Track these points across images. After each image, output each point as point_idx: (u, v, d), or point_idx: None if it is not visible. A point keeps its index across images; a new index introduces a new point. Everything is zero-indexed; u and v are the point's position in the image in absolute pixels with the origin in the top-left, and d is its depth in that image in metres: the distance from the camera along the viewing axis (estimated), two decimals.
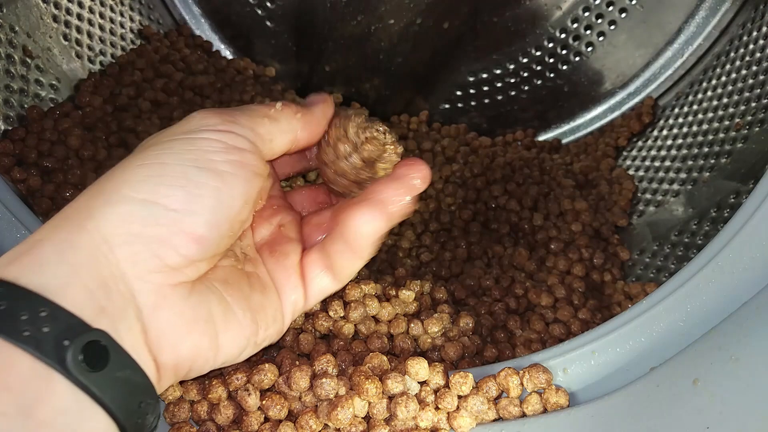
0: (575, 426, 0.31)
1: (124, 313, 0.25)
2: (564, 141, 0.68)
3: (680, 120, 0.58)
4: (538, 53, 0.65)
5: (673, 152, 0.56)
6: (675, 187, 0.53)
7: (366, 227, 0.31)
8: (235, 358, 0.30)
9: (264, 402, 0.33)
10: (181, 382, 0.34)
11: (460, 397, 0.33)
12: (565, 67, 0.65)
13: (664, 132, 0.59)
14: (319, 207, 0.37)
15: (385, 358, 0.34)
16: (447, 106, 0.69)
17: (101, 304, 0.24)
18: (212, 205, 0.27)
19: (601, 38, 0.63)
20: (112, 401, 0.23)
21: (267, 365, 0.33)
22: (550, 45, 0.64)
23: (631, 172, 0.59)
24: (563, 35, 0.63)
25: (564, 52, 0.64)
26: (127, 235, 0.25)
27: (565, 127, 0.68)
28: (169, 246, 0.26)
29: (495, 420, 0.33)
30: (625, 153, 0.62)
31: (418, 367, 0.33)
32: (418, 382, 0.34)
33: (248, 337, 0.30)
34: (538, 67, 0.65)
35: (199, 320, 0.27)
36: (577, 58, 0.64)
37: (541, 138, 0.68)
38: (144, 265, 0.25)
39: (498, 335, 0.44)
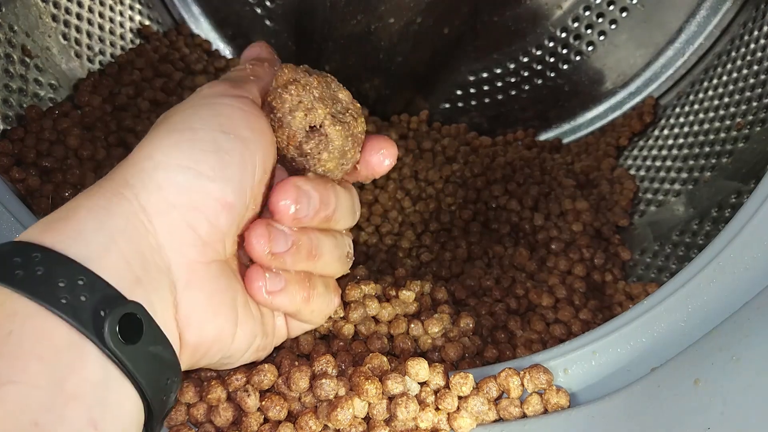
0: (576, 427, 0.31)
1: (159, 286, 0.24)
2: (565, 141, 0.67)
3: (681, 119, 0.58)
4: (539, 52, 0.64)
5: (675, 152, 0.56)
6: (676, 186, 0.53)
7: None
8: (241, 354, 0.30)
9: (263, 403, 0.33)
10: None
11: (460, 397, 0.33)
12: (565, 67, 0.65)
13: (665, 131, 0.59)
14: None
15: (385, 358, 0.34)
16: (447, 105, 0.69)
17: (137, 275, 0.24)
18: (240, 171, 0.27)
19: (601, 37, 0.62)
20: (143, 376, 0.23)
21: (266, 366, 0.33)
22: (551, 44, 0.64)
23: (632, 171, 0.59)
24: (564, 34, 0.63)
25: (565, 51, 0.64)
26: (164, 203, 0.25)
27: (566, 127, 0.68)
28: (202, 214, 0.26)
29: (495, 421, 0.33)
30: (626, 153, 0.62)
31: (419, 368, 0.33)
32: (419, 383, 0.33)
33: (255, 336, 0.30)
34: (539, 67, 0.65)
35: (226, 304, 0.27)
36: (578, 58, 0.64)
37: (542, 137, 0.68)
38: (180, 237, 0.25)
39: (498, 336, 0.44)
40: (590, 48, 0.63)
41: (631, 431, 0.29)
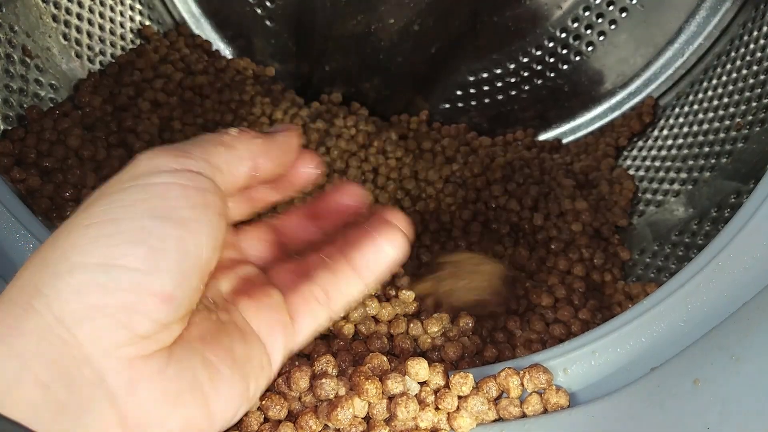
0: (576, 426, 0.31)
1: (92, 406, 0.21)
2: (564, 141, 0.67)
3: (681, 120, 0.58)
4: (539, 53, 0.64)
5: (674, 152, 0.56)
6: (675, 187, 0.53)
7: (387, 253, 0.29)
8: (230, 420, 0.26)
9: (263, 402, 0.33)
10: None
11: (460, 397, 0.33)
12: (565, 67, 0.65)
13: (665, 132, 0.59)
14: (271, 247, 0.32)
15: (385, 358, 0.34)
16: (447, 105, 0.69)
17: (61, 402, 0.20)
18: (179, 259, 0.23)
19: (601, 38, 0.62)
20: None
21: None
22: (551, 44, 0.64)
23: (631, 172, 0.59)
24: (564, 35, 0.63)
25: (564, 51, 0.64)
26: (85, 309, 0.21)
27: (566, 127, 0.68)
28: (138, 312, 0.22)
29: (495, 420, 0.33)
30: (625, 153, 0.62)
31: (418, 368, 0.33)
32: (418, 383, 0.33)
33: (241, 395, 0.26)
34: (539, 67, 0.65)
35: (185, 390, 0.23)
36: (578, 58, 0.64)
37: (542, 138, 0.68)
38: (110, 340, 0.21)
39: (498, 335, 0.44)
40: (590, 48, 0.63)
41: (630, 431, 0.29)
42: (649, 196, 0.55)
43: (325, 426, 0.32)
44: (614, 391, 0.31)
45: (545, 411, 0.33)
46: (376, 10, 0.62)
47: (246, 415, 0.33)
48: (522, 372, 0.33)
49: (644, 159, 0.59)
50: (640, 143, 0.61)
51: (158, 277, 0.22)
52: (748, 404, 0.27)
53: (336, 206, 0.31)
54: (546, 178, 0.60)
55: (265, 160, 0.27)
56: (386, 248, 0.29)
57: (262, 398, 0.33)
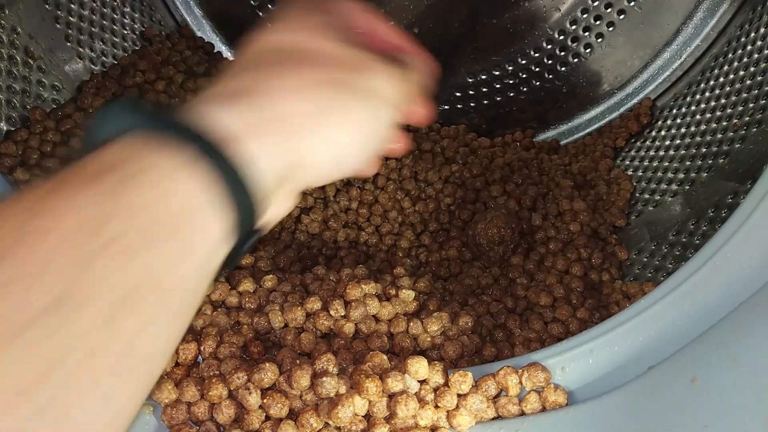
0: (574, 424, 0.31)
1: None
2: (563, 142, 0.68)
3: (678, 121, 0.58)
4: (537, 55, 0.65)
5: (671, 153, 0.56)
6: (673, 187, 0.53)
7: None
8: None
9: (265, 400, 0.33)
10: (178, 383, 0.34)
11: (459, 395, 0.33)
12: (563, 69, 0.65)
13: (662, 132, 0.59)
14: None
15: (385, 356, 0.35)
16: (446, 107, 0.69)
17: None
18: (365, 159, 0.28)
19: (599, 40, 0.63)
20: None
21: (267, 364, 0.34)
22: (549, 47, 0.64)
23: (629, 172, 0.59)
24: (561, 37, 0.64)
25: (562, 53, 0.64)
26: (311, 165, 0.26)
27: (564, 128, 0.68)
28: (329, 174, 0.27)
29: (494, 418, 0.34)
30: (623, 153, 0.62)
31: (418, 366, 0.33)
32: (418, 381, 0.34)
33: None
34: (537, 69, 0.66)
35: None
36: (576, 60, 0.65)
37: (540, 138, 0.69)
38: (302, 183, 0.27)
39: (497, 334, 0.44)
40: (588, 50, 0.64)
41: (628, 429, 0.30)
42: (646, 196, 0.56)
43: (326, 424, 0.32)
44: (612, 390, 0.32)
45: (543, 409, 0.33)
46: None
47: (247, 412, 0.33)
48: (520, 370, 0.34)
49: (642, 159, 0.59)
50: (638, 144, 0.61)
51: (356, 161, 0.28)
52: (745, 403, 0.27)
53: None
54: (544, 178, 0.60)
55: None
56: None
57: (263, 396, 0.33)
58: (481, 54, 0.66)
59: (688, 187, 0.52)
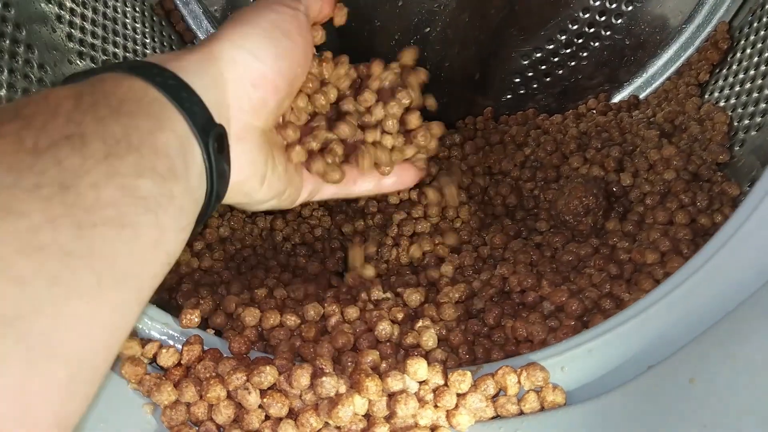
0: (572, 424, 0.32)
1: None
2: (642, 95, 0.63)
3: (762, 32, 0.52)
4: (587, 15, 0.61)
5: (763, 68, 0.50)
6: None
7: None
8: (261, 204, 0.38)
9: (264, 400, 0.33)
10: (177, 384, 0.35)
11: (458, 395, 0.33)
12: (619, 21, 0.61)
13: (747, 51, 0.53)
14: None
15: (377, 353, 0.35)
16: (509, 96, 0.67)
17: (215, 117, 0.31)
18: (288, 66, 0.35)
19: None
20: (216, 181, 0.31)
21: (267, 368, 0.34)
22: (597, 3, 0.61)
23: (721, 104, 0.54)
24: None
25: (614, 5, 0.60)
26: (235, 74, 0.33)
27: (639, 81, 0.64)
28: (258, 90, 0.34)
29: (493, 418, 0.34)
30: (710, 87, 0.57)
31: (417, 367, 0.33)
32: (418, 382, 0.34)
33: (278, 194, 0.38)
34: (592, 30, 0.62)
35: (259, 162, 0.35)
36: (630, 8, 0.60)
37: (617, 99, 0.64)
38: (239, 102, 0.33)
39: (604, 304, 0.41)
40: None
41: (627, 429, 0.30)
42: (746, 122, 0.50)
43: (326, 423, 0.33)
44: (611, 390, 0.32)
45: (542, 409, 0.33)
46: (411, 23, 0.62)
47: (247, 412, 0.34)
48: (519, 370, 0.34)
49: (732, 86, 0.54)
50: (724, 72, 0.56)
51: (276, 72, 0.35)
52: (744, 402, 0.27)
53: None
54: (627, 136, 0.56)
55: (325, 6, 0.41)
56: None
57: (263, 396, 0.33)
58: (528, 33, 0.63)
59: None
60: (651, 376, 0.31)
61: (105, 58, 0.59)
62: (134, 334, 0.38)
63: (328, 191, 0.43)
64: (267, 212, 0.61)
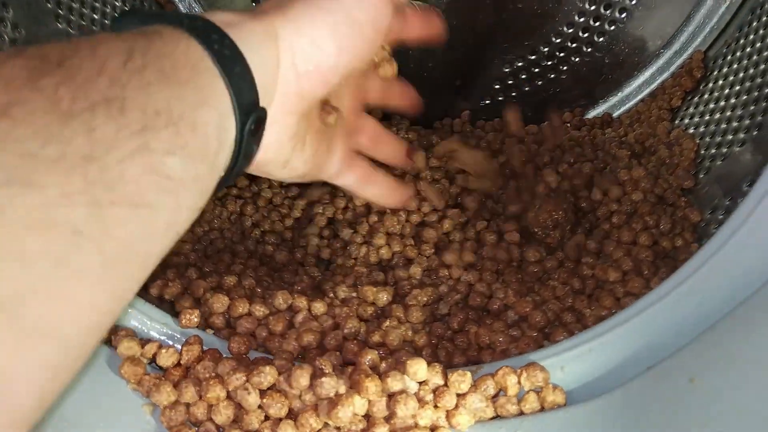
0: (572, 424, 0.32)
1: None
2: (615, 114, 0.65)
3: (735, 66, 0.54)
4: (571, 30, 0.63)
5: (732, 100, 0.52)
6: (740, 135, 0.49)
7: None
8: (280, 178, 0.37)
9: (264, 400, 0.33)
10: (176, 384, 0.35)
11: (458, 395, 0.33)
12: (601, 39, 0.63)
13: (720, 82, 0.55)
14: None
15: (376, 353, 0.36)
16: (488, 101, 0.68)
17: (262, 94, 0.30)
18: (347, 61, 0.33)
19: (632, 2, 0.60)
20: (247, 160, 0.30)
21: (267, 368, 0.34)
22: (582, 19, 0.62)
23: (690, 131, 0.56)
24: (593, 6, 0.61)
25: (597, 23, 0.62)
26: (289, 60, 0.31)
27: (614, 100, 0.65)
28: (309, 80, 0.32)
29: (493, 418, 0.34)
30: (681, 113, 0.59)
31: (417, 367, 0.33)
32: (417, 382, 0.34)
33: (299, 175, 0.37)
34: (574, 45, 0.63)
35: (287, 147, 0.34)
36: (613, 27, 0.62)
37: (591, 115, 0.66)
38: (285, 87, 0.31)
39: (565, 317, 0.42)
40: (623, 15, 0.61)
41: (627, 429, 0.30)
42: (713, 151, 0.52)
43: (326, 424, 0.33)
44: (611, 390, 0.32)
45: (542, 409, 0.33)
46: None
47: (246, 413, 0.34)
48: (519, 370, 0.34)
49: (702, 115, 0.56)
50: (695, 100, 0.58)
51: (333, 66, 0.32)
52: (743, 403, 0.27)
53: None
54: (599, 153, 0.58)
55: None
56: None
57: (262, 396, 0.33)
58: (513, 41, 0.64)
59: (756, 132, 0.48)
60: (651, 376, 0.31)
61: (82, 23, 0.57)
62: (134, 334, 0.37)
63: (349, 179, 0.43)
64: (237, 196, 0.60)
